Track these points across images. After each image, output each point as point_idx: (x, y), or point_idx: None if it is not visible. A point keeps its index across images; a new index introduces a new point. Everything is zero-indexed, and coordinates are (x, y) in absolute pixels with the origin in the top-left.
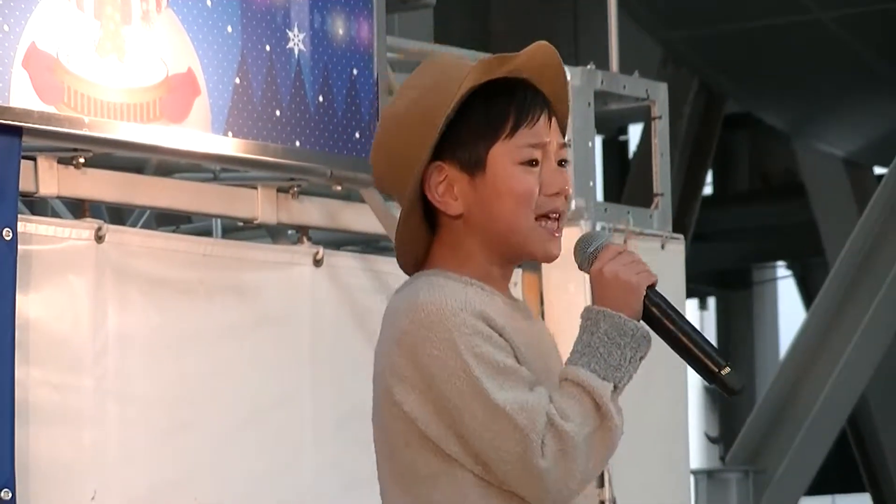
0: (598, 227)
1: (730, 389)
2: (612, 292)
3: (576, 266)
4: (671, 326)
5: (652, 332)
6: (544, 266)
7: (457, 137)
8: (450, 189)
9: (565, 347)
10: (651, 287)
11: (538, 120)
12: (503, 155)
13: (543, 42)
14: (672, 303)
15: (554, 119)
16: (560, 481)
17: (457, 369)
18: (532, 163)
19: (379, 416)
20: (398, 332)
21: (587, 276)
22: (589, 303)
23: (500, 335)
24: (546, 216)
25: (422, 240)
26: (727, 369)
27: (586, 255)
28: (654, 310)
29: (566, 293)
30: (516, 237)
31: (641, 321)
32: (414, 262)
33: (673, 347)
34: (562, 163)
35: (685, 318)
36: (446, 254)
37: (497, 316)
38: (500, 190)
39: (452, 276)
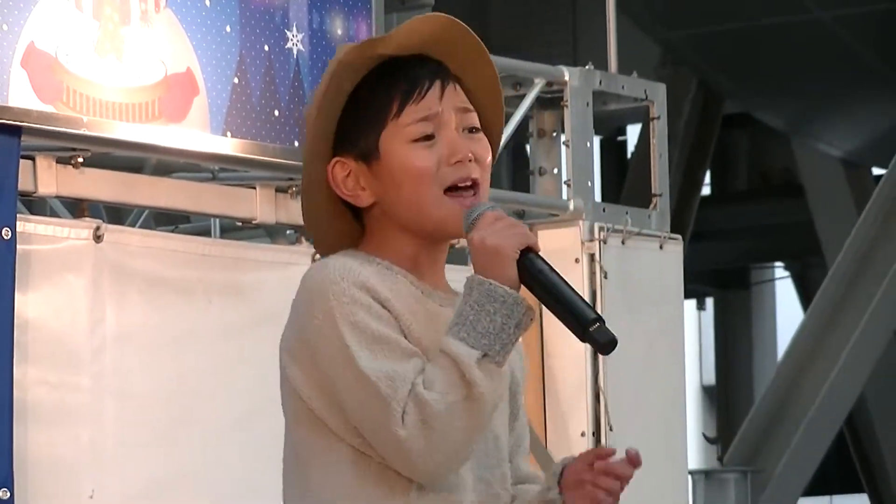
0: (596, 227)
1: (600, 344)
2: (483, 259)
3: (572, 266)
4: (542, 286)
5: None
6: None
7: (350, 129)
8: (356, 181)
9: (563, 349)
10: (529, 251)
11: (426, 92)
12: (393, 136)
13: (434, 14)
14: (555, 267)
15: (455, 86)
16: (424, 452)
17: (333, 338)
18: (426, 138)
19: (280, 390)
20: (292, 307)
21: (586, 275)
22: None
23: (383, 306)
24: (455, 187)
25: (352, 232)
26: (596, 325)
27: (467, 224)
28: (526, 272)
29: None
30: (424, 216)
31: (518, 287)
32: (333, 248)
33: (549, 308)
34: (472, 130)
35: (562, 279)
36: (370, 240)
37: (384, 289)
38: (396, 174)
39: (359, 255)
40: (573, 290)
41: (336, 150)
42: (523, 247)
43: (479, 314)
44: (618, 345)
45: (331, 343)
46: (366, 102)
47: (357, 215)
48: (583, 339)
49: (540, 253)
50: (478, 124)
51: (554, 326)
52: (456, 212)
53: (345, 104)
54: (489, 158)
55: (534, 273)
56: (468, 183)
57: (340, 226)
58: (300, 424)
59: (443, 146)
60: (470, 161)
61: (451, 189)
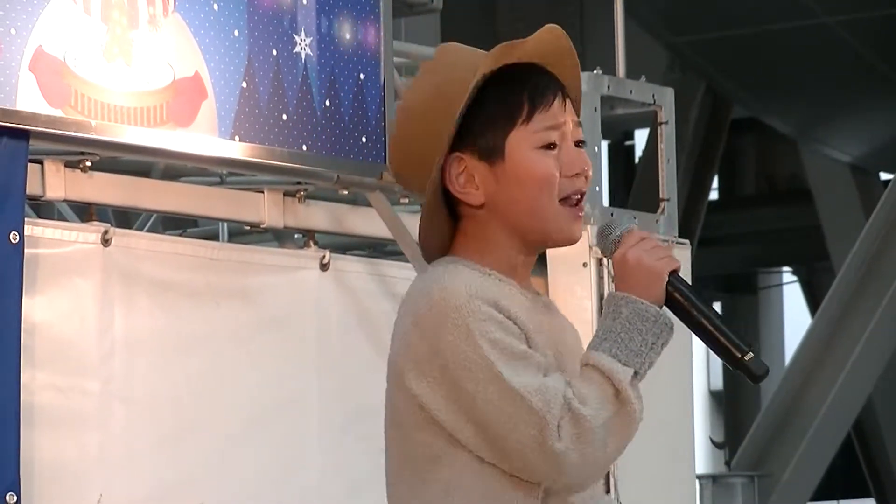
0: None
1: (754, 375)
2: (635, 278)
3: (582, 269)
4: (694, 312)
5: (675, 319)
6: (550, 269)
7: (474, 127)
8: (470, 179)
9: None
10: (674, 273)
11: (553, 102)
12: (521, 140)
13: (552, 25)
14: (692, 289)
15: (568, 101)
16: (577, 465)
17: (471, 354)
18: (550, 146)
19: (392, 399)
20: (415, 316)
21: (593, 280)
22: (595, 307)
23: (514, 323)
24: (568, 198)
25: (445, 231)
26: (750, 354)
27: (609, 241)
28: (676, 295)
29: (573, 297)
30: (540, 222)
31: (664, 307)
32: (438, 253)
33: (696, 333)
34: (579, 143)
35: (709, 305)
36: (468, 243)
37: (511, 305)
38: (520, 176)
39: (471, 265)
40: (718, 315)
41: (454, 147)
42: (672, 269)
43: (630, 332)
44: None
45: (470, 360)
46: (494, 104)
47: (453, 216)
48: (735, 368)
49: (681, 276)
50: (585, 140)
51: None
52: (567, 222)
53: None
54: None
55: (684, 297)
56: (579, 196)
57: (437, 224)
58: (425, 434)
59: (565, 157)
60: (583, 175)
61: (564, 200)
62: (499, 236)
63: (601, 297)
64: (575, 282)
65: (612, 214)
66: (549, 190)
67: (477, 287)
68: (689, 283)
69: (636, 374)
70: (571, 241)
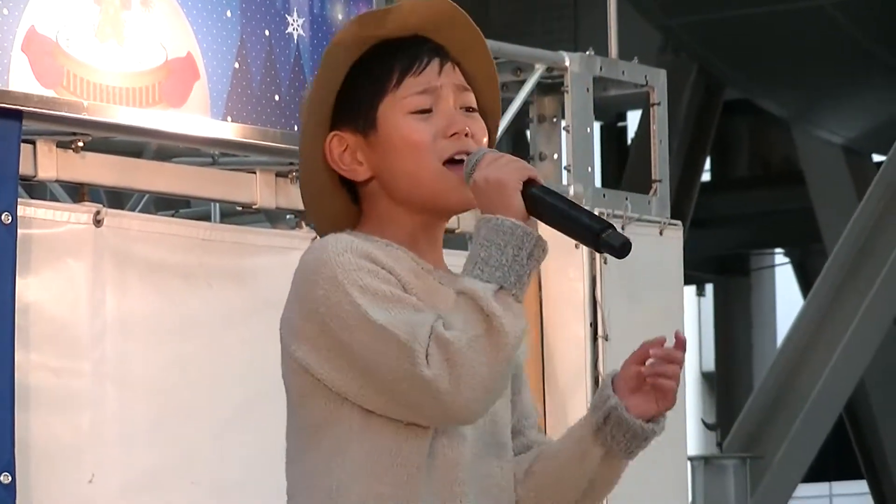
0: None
1: (615, 249)
2: (487, 196)
3: (574, 251)
4: (548, 208)
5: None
6: None
7: (348, 103)
8: (353, 155)
9: (563, 334)
10: (532, 182)
11: (426, 67)
12: (391, 108)
13: None
14: (552, 191)
15: (450, 67)
16: (454, 392)
17: (342, 303)
18: (424, 111)
19: (283, 373)
20: (291, 288)
21: (586, 262)
22: (588, 289)
23: (389, 273)
24: (453, 160)
25: (341, 211)
26: (609, 231)
27: (468, 171)
28: (532, 199)
29: (565, 279)
30: (424, 188)
31: (526, 218)
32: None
33: (559, 229)
34: (469, 110)
35: (566, 200)
36: (367, 221)
37: (389, 260)
38: (395, 144)
39: (356, 234)
40: (580, 207)
41: (333, 125)
42: (525, 178)
43: (489, 250)
44: (632, 249)
45: (340, 307)
46: (364, 76)
47: (354, 196)
48: (597, 249)
49: (542, 183)
50: (475, 105)
51: (553, 312)
52: (454, 183)
53: (342, 81)
54: (486, 139)
55: (539, 199)
56: (463, 157)
57: (338, 205)
58: (308, 400)
59: (440, 119)
60: (467, 136)
61: (450, 162)
62: (392, 208)
63: (593, 280)
64: (567, 264)
65: (604, 196)
66: (426, 153)
67: (350, 243)
68: (549, 188)
69: (501, 287)
70: (464, 205)
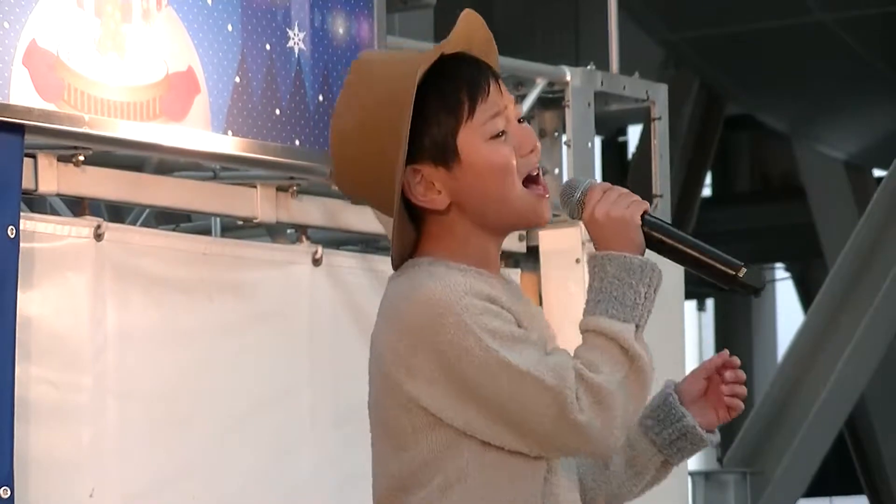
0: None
1: (754, 289)
2: (609, 233)
3: (575, 265)
4: (677, 245)
5: (662, 258)
6: (543, 265)
7: (420, 135)
8: (430, 187)
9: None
10: (645, 214)
11: (489, 90)
12: (471, 136)
13: (466, 11)
14: (668, 224)
15: (500, 81)
16: (604, 432)
17: (473, 348)
18: (499, 134)
19: (382, 408)
20: (401, 322)
21: (587, 275)
22: (578, 304)
23: (507, 311)
24: (529, 177)
25: (408, 237)
26: (744, 270)
27: (573, 204)
28: (655, 234)
29: (566, 292)
30: (510, 210)
31: (646, 253)
32: (400, 257)
33: (685, 264)
34: (521, 121)
35: (687, 235)
36: (438, 243)
37: (500, 295)
38: (481, 171)
39: (451, 265)
40: (703, 244)
41: (406, 160)
42: (642, 211)
43: (622, 288)
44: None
45: (472, 354)
46: (434, 106)
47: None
48: (732, 288)
49: (653, 214)
50: (522, 114)
51: (553, 325)
52: (533, 202)
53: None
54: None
55: (664, 234)
56: (537, 172)
57: (406, 236)
58: (421, 434)
59: (515, 139)
60: (535, 150)
61: (527, 180)
62: (469, 232)
63: None
64: (568, 277)
65: None
66: (511, 175)
67: (466, 284)
68: (664, 220)
69: (637, 327)
70: (541, 222)
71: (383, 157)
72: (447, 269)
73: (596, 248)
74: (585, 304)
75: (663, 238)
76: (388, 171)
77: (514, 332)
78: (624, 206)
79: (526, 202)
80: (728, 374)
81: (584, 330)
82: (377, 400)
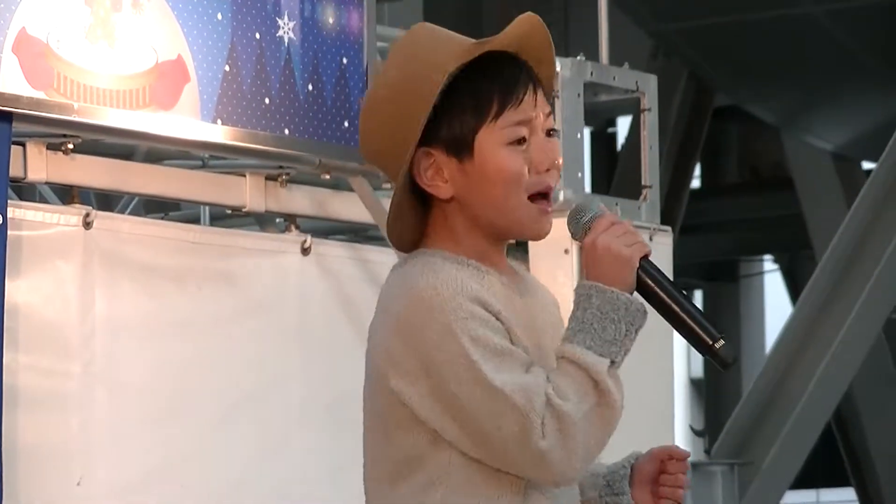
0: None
1: (723, 362)
2: (604, 265)
3: (564, 255)
4: (665, 298)
5: (647, 305)
6: (532, 256)
7: (443, 122)
8: (439, 173)
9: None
10: (645, 258)
11: (523, 97)
12: (490, 137)
13: (531, 14)
14: (664, 275)
15: (540, 91)
16: (563, 461)
17: (454, 353)
18: (520, 141)
19: (372, 397)
20: (394, 317)
21: (575, 266)
22: (568, 294)
23: (497, 318)
24: (537, 194)
25: (415, 219)
26: (721, 342)
27: (580, 226)
28: (647, 281)
29: (555, 283)
30: (506, 219)
31: (635, 293)
32: (409, 241)
33: (667, 319)
34: (550, 132)
35: (680, 290)
36: (440, 233)
37: (493, 299)
38: (488, 174)
39: (448, 257)
40: (691, 303)
41: (423, 139)
42: (643, 254)
43: (603, 322)
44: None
45: (453, 359)
46: (463, 99)
47: (422, 205)
48: (705, 354)
49: (651, 259)
50: (556, 126)
51: None
52: (534, 218)
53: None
54: (561, 160)
55: (656, 283)
56: (547, 191)
57: (410, 217)
58: (405, 430)
59: (534, 152)
60: (553, 169)
61: (533, 196)
62: (468, 228)
63: None
64: (556, 267)
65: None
66: (517, 187)
67: (459, 283)
68: (662, 270)
69: (612, 363)
70: (538, 237)
71: (402, 129)
72: (443, 262)
73: (586, 276)
74: (566, 329)
75: (655, 288)
76: (402, 144)
77: (497, 344)
78: (626, 243)
79: (525, 214)
80: (670, 466)
81: (560, 356)
82: (371, 389)
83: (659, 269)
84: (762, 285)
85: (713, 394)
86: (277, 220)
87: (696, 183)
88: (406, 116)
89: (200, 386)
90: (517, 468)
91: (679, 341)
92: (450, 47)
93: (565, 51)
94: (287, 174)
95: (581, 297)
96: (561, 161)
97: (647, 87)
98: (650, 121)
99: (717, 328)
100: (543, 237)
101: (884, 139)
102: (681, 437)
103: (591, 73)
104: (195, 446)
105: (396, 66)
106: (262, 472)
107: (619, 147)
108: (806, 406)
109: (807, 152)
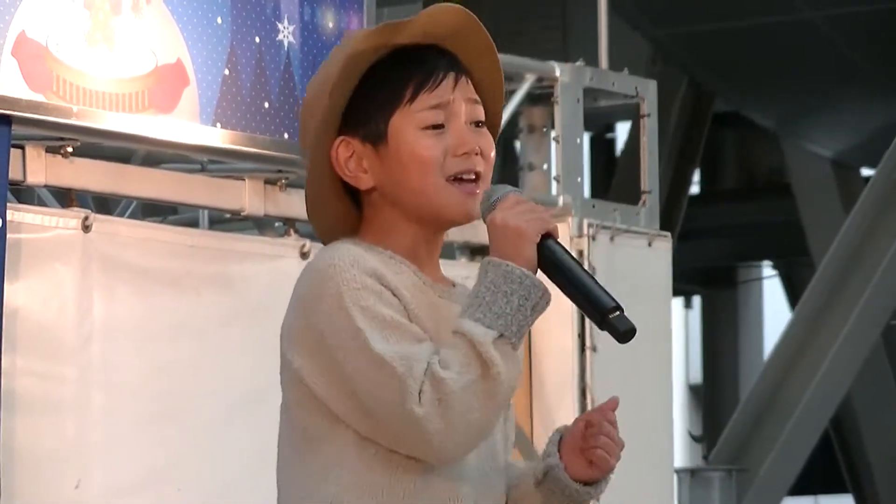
0: (585, 224)
1: (619, 332)
2: (502, 240)
3: None
4: (562, 270)
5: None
6: None
7: (358, 110)
8: (359, 163)
9: (550, 345)
10: (548, 236)
11: (441, 82)
12: (404, 122)
13: (450, 5)
14: (567, 253)
15: (466, 80)
16: (441, 432)
17: (342, 323)
18: (436, 126)
19: (281, 381)
20: (297, 297)
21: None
22: (566, 301)
23: (393, 294)
24: (459, 178)
25: (343, 214)
26: (617, 312)
27: (487, 206)
28: (547, 257)
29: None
30: (428, 202)
31: (535, 270)
32: (344, 235)
33: (566, 294)
34: (478, 124)
35: (580, 265)
36: (369, 228)
37: (395, 279)
38: (403, 159)
39: (361, 244)
40: (593, 277)
41: (342, 131)
42: (544, 232)
43: (495, 295)
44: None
45: (341, 328)
46: (378, 86)
47: (356, 201)
48: (601, 327)
49: (559, 240)
50: (483, 118)
51: (540, 322)
52: (457, 199)
53: (355, 87)
54: (493, 153)
55: (554, 258)
56: (472, 176)
57: (339, 209)
58: (305, 411)
59: (451, 137)
60: (476, 154)
61: (455, 179)
62: (394, 219)
63: None
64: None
65: (593, 207)
66: (433, 170)
67: (357, 257)
68: (565, 249)
69: (501, 336)
70: (466, 218)
71: (319, 123)
72: (352, 245)
73: (490, 254)
74: (462, 306)
75: (554, 262)
76: (319, 137)
77: (386, 315)
78: (524, 218)
79: (446, 197)
80: (588, 419)
81: (452, 331)
82: (281, 374)
83: (562, 247)
84: (760, 291)
85: (711, 400)
86: (276, 224)
87: (694, 189)
88: (321, 107)
89: (197, 389)
90: (398, 441)
91: (677, 348)
92: (363, 34)
93: (565, 56)
94: (286, 178)
95: (480, 272)
96: (487, 149)
97: (647, 92)
98: (649, 126)
99: (613, 301)
100: (473, 220)
101: (882, 146)
102: (679, 443)
103: (591, 79)
104: (192, 449)
105: (321, 68)
106: (258, 475)
107: (618, 152)
108: (804, 412)
109: (805, 159)
